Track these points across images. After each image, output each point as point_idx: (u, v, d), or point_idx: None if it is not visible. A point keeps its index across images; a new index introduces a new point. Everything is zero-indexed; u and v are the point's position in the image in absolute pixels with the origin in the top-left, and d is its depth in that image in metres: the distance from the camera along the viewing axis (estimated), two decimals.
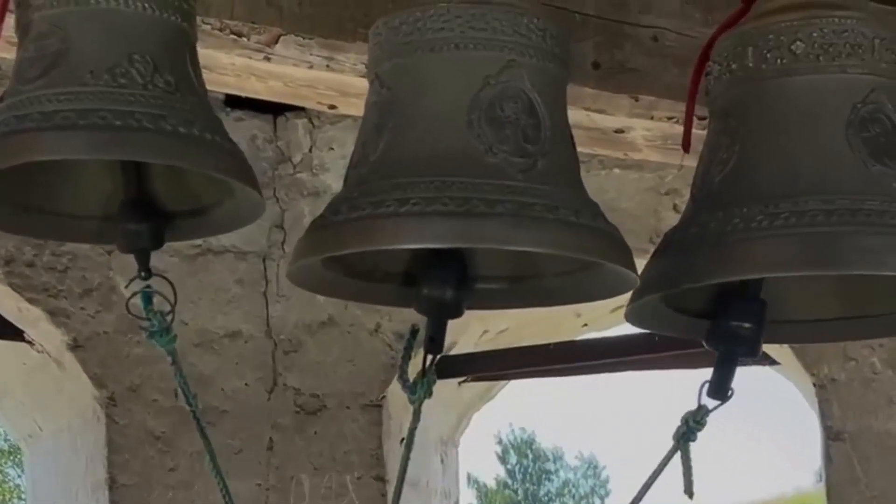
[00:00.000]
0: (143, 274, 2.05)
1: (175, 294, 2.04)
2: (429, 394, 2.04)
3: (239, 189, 2.02)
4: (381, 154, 1.93)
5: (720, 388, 2.07)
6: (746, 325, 2.05)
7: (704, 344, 2.09)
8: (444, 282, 2.00)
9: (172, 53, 1.97)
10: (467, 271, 2.05)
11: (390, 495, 4.12)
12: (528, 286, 2.15)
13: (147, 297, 2.04)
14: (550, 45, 1.97)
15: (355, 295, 2.18)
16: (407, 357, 2.06)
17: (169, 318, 2.05)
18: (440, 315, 2.02)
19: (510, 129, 1.90)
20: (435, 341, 2.01)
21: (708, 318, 2.15)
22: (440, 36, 1.93)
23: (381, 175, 1.90)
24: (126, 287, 2.05)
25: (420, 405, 2.05)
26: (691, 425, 2.08)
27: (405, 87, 1.96)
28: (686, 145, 2.23)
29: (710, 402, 2.08)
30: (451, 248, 2.00)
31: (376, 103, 1.98)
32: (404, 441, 2.09)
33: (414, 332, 2.07)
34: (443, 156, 1.88)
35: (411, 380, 2.05)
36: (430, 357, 2.02)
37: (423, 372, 2.03)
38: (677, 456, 2.09)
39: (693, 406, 2.09)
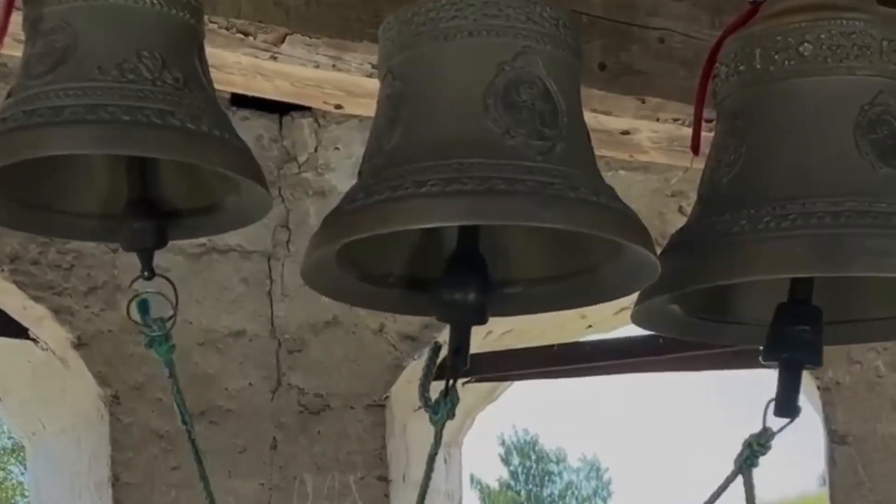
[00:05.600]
0: (146, 273, 2.04)
1: (177, 298, 2.01)
2: (452, 415, 1.93)
3: (246, 186, 2.01)
4: (396, 143, 1.91)
5: (789, 404, 1.94)
6: (807, 328, 1.95)
7: (761, 358, 1.99)
8: (466, 284, 1.90)
9: (181, 49, 1.97)
10: (488, 273, 1.95)
11: (393, 496, 4.12)
12: (548, 289, 2.09)
13: (144, 305, 1.99)
14: (563, 34, 1.96)
15: (369, 301, 2.10)
16: (428, 374, 1.94)
17: (170, 323, 2.01)
18: (464, 321, 1.92)
19: (527, 113, 1.87)
20: (460, 353, 1.89)
21: (715, 320, 2.14)
22: (453, 24, 1.92)
23: (396, 162, 1.88)
24: (130, 286, 2.03)
25: (442, 427, 1.94)
26: (755, 448, 1.96)
27: (419, 76, 1.94)
28: (695, 147, 2.22)
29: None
30: (470, 250, 1.95)
31: (389, 96, 1.96)
32: (426, 463, 1.99)
33: (436, 348, 1.95)
34: (460, 140, 1.85)
35: (434, 399, 1.92)
36: (452, 374, 1.90)
37: (446, 391, 1.92)
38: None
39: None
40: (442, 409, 1.92)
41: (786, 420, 1.96)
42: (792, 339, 1.96)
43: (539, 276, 2.11)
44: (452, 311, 1.92)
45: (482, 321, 1.94)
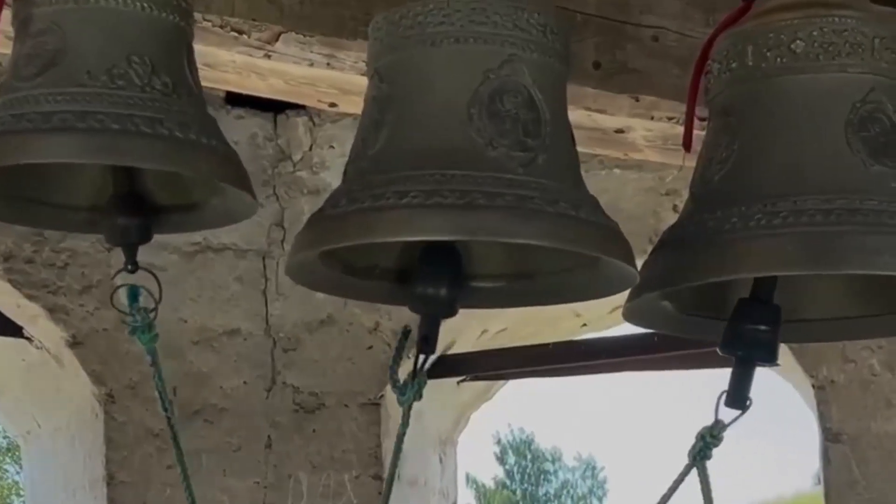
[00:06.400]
0: (129, 267, 2.06)
1: (161, 291, 2.04)
2: (419, 396, 2.00)
3: (232, 191, 2.03)
4: (380, 148, 1.93)
5: (739, 397, 2.00)
6: (763, 328, 1.99)
7: (719, 350, 2.03)
8: (438, 279, 1.97)
9: (170, 53, 1.97)
10: (462, 269, 2.02)
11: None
12: (524, 284, 2.13)
13: (133, 294, 2.04)
14: (551, 41, 1.97)
15: (353, 292, 2.16)
16: (398, 357, 2.02)
17: (152, 314, 2.05)
18: (433, 313, 1.99)
19: (510, 124, 1.89)
20: (428, 341, 1.97)
21: (706, 316, 2.15)
22: (440, 30, 1.93)
23: (380, 168, 1.90)
24: (112, 278, 2.06)
25: (409, 407, 2.01)
26: (708, 440, 2.00)
27: (405, 81, 1.95)
28: (687, 144, 2.23)
29: (726, 415, 2.00)
30: (446, 245, 1.99)
31: (375, 98, 1.98)
32: (395, 442, 2.05)
33: (406, 332, 2.03)
34: (443, 149, 1.87)
35: (402, 381, 2.00)
36: (422, 358, 1.98)
37: (414, 373, 1.98)
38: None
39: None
40: (409, 391, 1.99)
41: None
42: (749, 337, 2.00)
43: (516, 272, 2.13)
44: (423, 304, 1.99)
45: (451, 314, 2.01)
